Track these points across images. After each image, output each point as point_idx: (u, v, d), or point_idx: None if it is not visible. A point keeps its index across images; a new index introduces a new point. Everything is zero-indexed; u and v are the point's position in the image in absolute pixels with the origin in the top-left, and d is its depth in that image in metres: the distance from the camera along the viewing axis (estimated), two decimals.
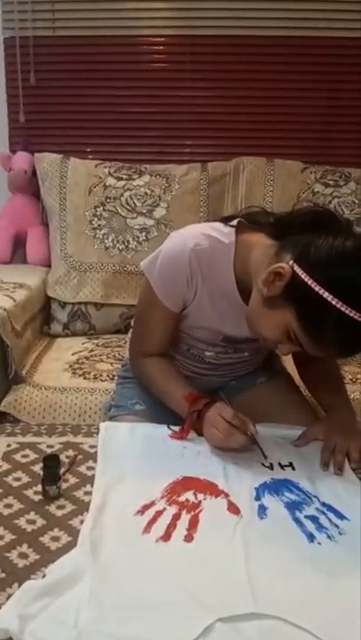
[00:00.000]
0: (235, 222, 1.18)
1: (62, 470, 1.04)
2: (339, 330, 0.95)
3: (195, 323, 1.24)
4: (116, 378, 1.51)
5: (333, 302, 0.92)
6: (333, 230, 0.98)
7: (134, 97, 2.31)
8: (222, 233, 1.16)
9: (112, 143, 2.34)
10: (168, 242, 1.18)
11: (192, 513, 0.95)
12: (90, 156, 2.25)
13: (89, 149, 2.33)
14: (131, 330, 1.46)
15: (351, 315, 0.92)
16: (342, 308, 0.92)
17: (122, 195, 2.07)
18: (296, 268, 0.97)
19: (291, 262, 0.98)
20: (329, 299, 0.92)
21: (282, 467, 1.10)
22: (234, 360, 1.32)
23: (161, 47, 2.29)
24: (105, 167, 2.12)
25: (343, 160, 2.20)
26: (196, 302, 1.19)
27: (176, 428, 1.19)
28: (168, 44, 2.28)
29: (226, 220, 1.19)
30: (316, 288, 0.94)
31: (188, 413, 1.18)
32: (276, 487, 1.04)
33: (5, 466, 1.08)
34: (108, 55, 2.26)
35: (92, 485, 1.02)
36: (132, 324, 1.51)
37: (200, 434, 1.16)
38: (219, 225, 1.19)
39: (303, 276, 0.95)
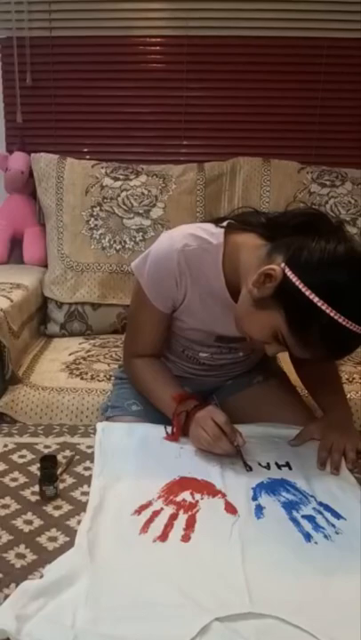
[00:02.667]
0: (225, 223, 1.18)
1: (59, 470, 1.04)
2: (326, 334, 0.95)
3: (187, 324, 1.24)
4: (112, 378, 1.51)
5: (322, 307, 0.93)
6: (325, 233, 0.98)
7: (131, 97, 2.32)
8: (211, 234, 1.16)
9: (109, 143, 2.34)
10: (157, 243, 1.18)
11: (189, 513, 0.95)
12: (87, 157, 2.26)
13: (86, 149, 2.33)
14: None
15: (340, 320, 0.93)
16: (331, 314, 0.93)
17: (118, 195, 2.07)
18: (287, 270, 0.97)
19: (282, 265, 0.98)
20: (319, 304, 0.93)
21: (279, 466, 1.11)
22: (229, 361, 1.32)
23: (158, 47, 2.29)
24: (102, 167, 2.12)
25: (340, 160, 2.21)
26: (187, 303, 1.19)
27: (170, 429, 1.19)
28: (165, 45, 2.28)
29: (217, 222, 1.19)
30: (307, 292, 0.94)
31: (175, 414, 1.18)
32: (273, 487, 1.04)
33: (2, 466, 1.08)
34: (104, 55, 2.27)
35: (89, 486, 1.02)
36: None
37: (186, 434, 1.17)
38: (209, 226, 1.19)
39: (294, 279, 0.96)
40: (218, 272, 1.15)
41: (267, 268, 1.00)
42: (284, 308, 0.98)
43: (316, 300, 0.93)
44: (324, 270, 0.95)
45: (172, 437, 1.17)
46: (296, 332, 0.99)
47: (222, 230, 1.16)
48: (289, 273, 0.96)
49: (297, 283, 0.95)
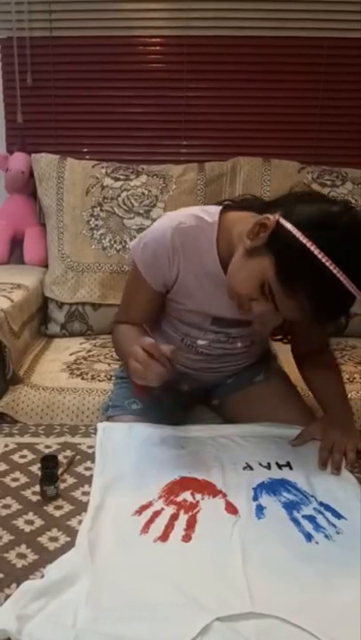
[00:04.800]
0: (224, 204, 1.20)
1: (60, 471, 1.04)
2: (315, 284, 0.94)
3: (183, 306, 1.23)
4: (113, 378, 1.51)
5: (315, 252, 0.92)
6: (323, 199, 1.01)
7: (131, 97, 2.31)
8: (209, 213, 1.18)
9: (109, 143, 2.34)
10: (156, 222, 1.21)
11: (190, 513, 0.95)
12: (87, 157, 2.25)
13: (86, 150, 2.33)
14: None
15: (331, 268, 0.92)
16: (323, 260, 0.92)
17: (119, 195, 2.07)
18: (282, 220, 0.98)
19: (277, 215, 0.99)
20: (312, 248, 0.92)
21: (279, 466, 1.11)
22: (227, 351, 1.32)
23: (158, 48, 2.29)
24: (102, 167, 2.12)
25: (340, 160, 2.20)
26: (180, 283, 1.19)
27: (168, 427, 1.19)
28: (165, 45, 2.28)
29: (220, 204, 1.21)
30: (301, 237, 0.94)
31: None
32: (273, 487, 1.04)
33: (3, 466, 1.08)
34: (104, 56, 2.26)
35: (89, 486, 1.02)
36: None
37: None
38: (210, 207, 1.21)
39: (288, 225, 0.96)
40: (212, 250, 1.16)
41: (262, 217, 1.01)
42: (275, 255, 0.98)
43: (308, 244, 0.93)
44: (320, 222, 0.96)
45: (135, 392, 1.10)
46: (284, 281, 0.97)
47: (219, 208, 1.18)
48: (283, 221, 0.97)
49: (291, 229, 0.96)
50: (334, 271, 0.92)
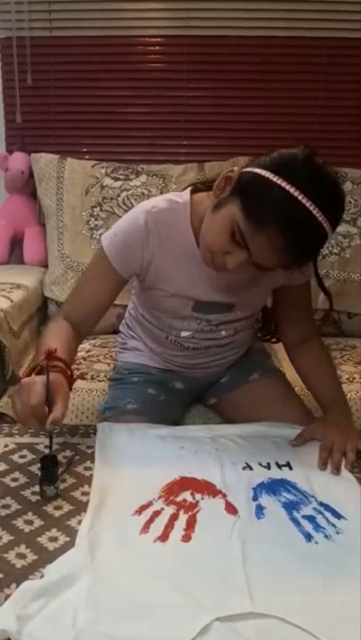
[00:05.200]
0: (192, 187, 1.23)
1: (60, 471, 1.04)
2: (281, 213, 0.96)
3: (162, 292, 1.24)
4: (108, 381, 1.52)
5: (276, 180, 0.96)
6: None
7: (131, 97, 2.31)
8: (179, 196, 1.21)
9: (109, 143, 2.34)
10: (127, 213, 1.23)
11: (190, 513, 0.95)
12: (87, 157, 2.25)
13: (86, 150, 2.33)
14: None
15: (295, 193, 0.95)
16: (284, 185, 0.95)
17: (119, 195, 2.07)
18: (245, 168, 1.02)
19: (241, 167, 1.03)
20: (274, 178, 0.96)
21: (279, 466, 1.11)
22: (213, 342, 1.32)
23: (157, 47, 2.29)
24: (102, 167, 2.12)
25: (339, 160, 2.19)
26: (157, 267, 1.20)
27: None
28: (165, 45, 2.28)
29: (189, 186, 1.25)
30: (263, 172, 0.98)
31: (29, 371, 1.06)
32: (273, 487, 1.04)
33: (3, 466, 1.08)
34: (104, 55, 2.26)
35: (89, 486, 1.02)
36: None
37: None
38: (180, 192, 1.23)
39: (250, 169, 1.01)
40: (187, 229, 1.17)
41: (226, 171, 1.06)
42: (241, 197, 1.01)
43: (270, 175, 0.96)
44: (280, 160, 1.00)
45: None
46: (251, 217, 0.99)
47: (189, 189, 1.21)
48: (247, 168, 1.02)
49: (253, 169, 1.00)
50: (299, 197, 0.94)
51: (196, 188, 1.23)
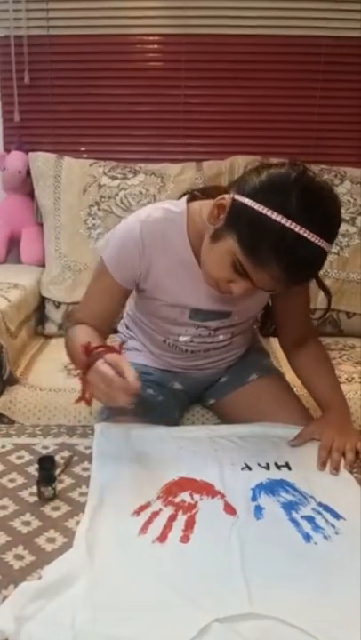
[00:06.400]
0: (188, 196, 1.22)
1: (57, 471, 1.03)
2: (279, 246, 0.96)
3: (160, 301, 1.23)
4: None
5: (270, 214, 0.94)
6: (271, 165, 1.03)
7: (129, 96, 2.31)
8: (176, 204, 1.20)
9: (107, 142, 2.33)
10: (122, 221, 1.22)
11: (188, 514, 0.95)
12: (84, 156, 2.25)
13: (83, 148, 2.33)
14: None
15: (287, 224, 0.94)
16: (278, 218, 0.94)
17: (116, 194, 2.06)
18: (236, 196, 1.00)
19: (232, 194, 1.02)
20: (266, 212, 0.95)
21: (278, 467, 1.10)
22: (211, 345, 1.31)
23: (156, 46, 2.28)
24: (99, 166, 2.11)
25: (338, 159, 2.20)
26: (154, 277, 1.20)
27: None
28: (163, 43, 2.27)
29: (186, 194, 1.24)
30: (254, 205, 0.96)
31: (82, 372, 1.07)
32: (272, 487, 1.03)
33: (0, 467, 1.08)
34: (102, 54, 2.26)
35: (87, 486, 1.01)
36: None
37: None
38: (175, 200, 1.23)
39: (242, 199, 0.99)
40: (183, 238, 1.17)
41: (218, 199, 1.04)
42: (236, 231, 1.01)
43: (262, 209, 0.95)
44: (269, 186, 0.98)
45: (80, 399, 1.06)
46: (250, 254, 0.99)
47: (184, 198, 1.20)
48: (237, 197, 1.00)
49: (244, 200, 0.98)
50: (291, 226, 0.94)
51: (192, 196, 1.22)
